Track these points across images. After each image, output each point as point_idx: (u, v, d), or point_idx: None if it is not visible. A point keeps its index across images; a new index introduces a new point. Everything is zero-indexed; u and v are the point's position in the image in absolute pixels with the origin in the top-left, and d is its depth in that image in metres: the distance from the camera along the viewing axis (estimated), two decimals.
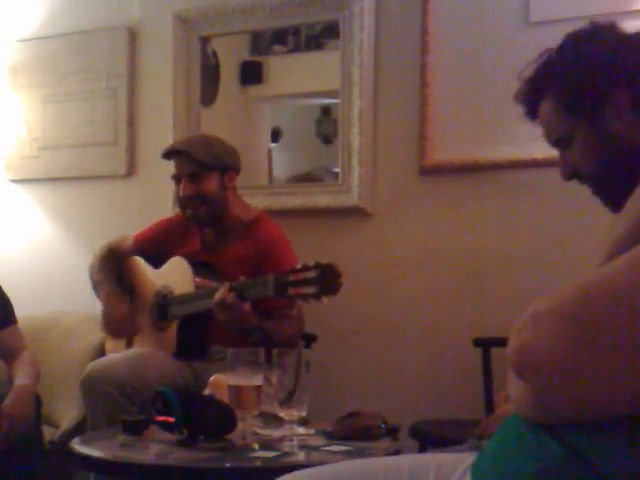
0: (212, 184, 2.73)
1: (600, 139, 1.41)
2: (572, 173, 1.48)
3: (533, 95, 1.49)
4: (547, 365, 0.85)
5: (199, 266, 2.71)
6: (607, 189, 1.44)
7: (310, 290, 2.23)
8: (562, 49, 1.46)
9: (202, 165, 2.71)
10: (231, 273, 2.60)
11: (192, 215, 2.76)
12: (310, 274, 2.24)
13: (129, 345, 2.83)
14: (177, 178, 2.76)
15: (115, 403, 2.44)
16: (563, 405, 0.87)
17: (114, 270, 2.94)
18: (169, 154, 2.79)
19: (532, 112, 1.50)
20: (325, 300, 2.23)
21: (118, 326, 2.83)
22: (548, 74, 1.46)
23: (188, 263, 2.71)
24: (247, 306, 2.43)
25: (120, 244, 2.99)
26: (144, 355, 2.65)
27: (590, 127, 1.42)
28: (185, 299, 2.65)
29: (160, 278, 2.80)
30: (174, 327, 2.68)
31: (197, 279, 2.67)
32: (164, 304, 2.74)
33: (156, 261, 2.85)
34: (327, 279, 2.22)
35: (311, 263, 2.25)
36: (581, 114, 1.42)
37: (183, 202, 2.76)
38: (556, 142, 1.49)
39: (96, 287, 2.93)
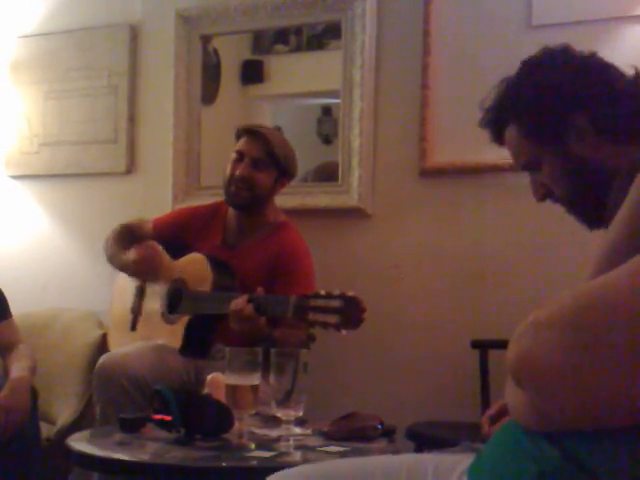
0: (268, 179, 2.75)
1: (566, 162, 1.45)
2: (544, 194, 1.52)
3: (496, 123, 1.53)
4: (547, 373, 0.85)
5: (218, 265, 2.68)
6: (580, 208, 1.49)
7: (331, 319, 2.19)
8: (519, 77, 1.50)
9: (271, 158, 2.72)
10: (248, 272, 2.59)
11: (234, 194, 2.74)
12: (333, 303, 2.19)
13: (133, 327, 2.80)
14: (240, 155, 2.73)
15: (127, 396, 2.43)
16: (562, 413, 0.87)
17: (130, 246, 2.85)
18: (250, 132, 2.76)
19: (497, 139, 1.55)
20: (344, 332, 2.19)
21: (143, 266, 2.76)
22: (508, 102, 1.50)
23: (207, 260, 2.67)
24: (263, 320, 2.41)
25: (139, 225, 2.95)
26: (158, 351, 2.62)
27: (555, 151, 1.45)
28: (199, 298, 2.62)
29: (177, 269, 2.76)
30: (182, 323, 2.66)
31: (214, 280, 2.62)
32: (177, 296, 2.71)
33: (175, 249, 2.81)
34: (351, 312, 2.18)
35: (336, 292, 2.20)
36: (544, 139, 1.46)
37: (232, 181, 2.73)
38: (524, 166, 1.53)
39: (112, 259, 2.87)
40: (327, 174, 3.32)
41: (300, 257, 2.71)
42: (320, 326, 2.24)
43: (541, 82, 1.46)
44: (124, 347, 2.70)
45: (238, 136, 2.80)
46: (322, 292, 2.23)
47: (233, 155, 2.77)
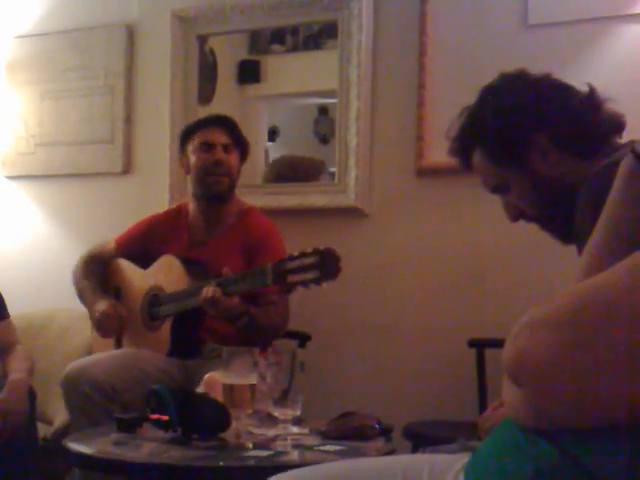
0: (237, 162, 2.82)
1: (534, 182, 1.51)
2: (517, 215, 1.59)
3: (462, 151, 1.59)
4: (543, 372, 0.85)
5: (190, 264, 2.70)
6: (551, 225, 1.55)
7: (310, 276, 2.23)
8: (479, 104, 1.56)
9: (237, 141, 2.81)
10: (223, 264, 2.60)
11: (215, 183, 2.76)
12: (309, 260, 2.24)
13: (118, 346, 2.82)
14: (210, 146, 2.77)
15: (94, 404, 2.44)
16: (559, 411, 0.87)
17: (98, 275, 2.91)
18: (216, 121, 2.83)
19: (466, 166, 1.61)
20: (325, 285, 2.23)
21: (108, 324, 2.79)
22: (470, 130, 1.56)
23: (179, 260, 2.69)
24: (235, 299, 2.45)
25: (102, 249, 2.97)
26: (127, 355, 2.64)
27: (521, 173, 1.51)
28: (176, 297, 2.64)
29: (149, 278, 2.79)
30: (167, 326, 2.67)
31: (189, 277, 2.65)
32: (155, 303, 2.73)
33: (143, 261, 2.83)
34: (327, 264, 2.22)
35: (308, 249, 2.25)
36: (509, 162, 1.52)
37: (212, 168, 2.76)
38: (494, 190, 1.59)
39: (81, 294, 2.90)
40: (287, 170, 3.35)
41: (269, 235, 2.76)
42: (301, 285, 2.27)
43: (499, 107, 1.51)
44: (93, 355, 2.72)
45: (198, 127, 2.83)
46: (295, 253, 2.27)
47: (198, 147, 2.79)
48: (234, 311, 2.48)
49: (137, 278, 2.84)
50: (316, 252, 2.23)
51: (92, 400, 2.44)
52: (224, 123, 2.83)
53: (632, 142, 1.44)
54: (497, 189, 1.58)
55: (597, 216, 1.00)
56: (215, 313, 2.48)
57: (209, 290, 2.43)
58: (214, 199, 2.80)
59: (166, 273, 2.73)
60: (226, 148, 2.78)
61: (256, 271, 2.40)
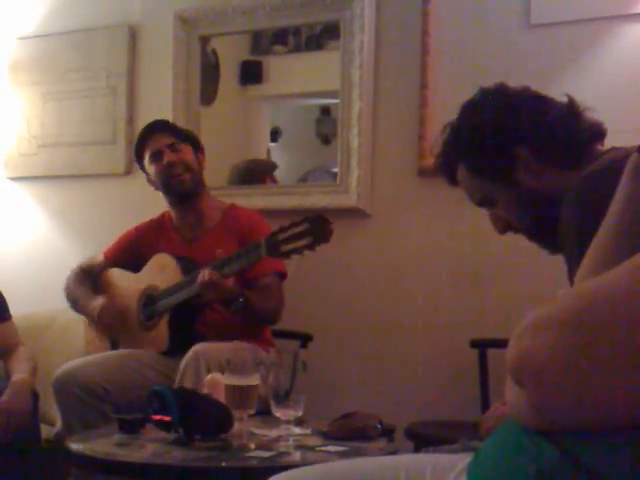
0: (190, 154, 2.83)
1: (518, 193, 1.53)
2: (504, 227, 1.60)
3: (447, 166, 1.62)
4: (546, 373, 0.85)
5: (180, 261, 2.71)
6: (538, 235, 1.57)
7: (303, 242, 2.29)
8: (459, 120, 1.59)
9: (179, 135, 2.83)
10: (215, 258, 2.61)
11: (178, 182, 2.78)
12: (300, 228, 2.29)
13: (114, 349, 2.82)
14: (157, 153, 2.80)
15: (85, 405, 2.45)
16: (562, 412, 0.87)
17: (90, 287, 2.93)
18: (148, 131, 2.85)
19: (452, 181, 1.64)
20: (317, 248, 2.30)
21: (108, 318, 2.80)
22: (452, 146, 1.59)
23: (170, 256, 2.71)
24: (230, 281, 2.48)
25: (91, 263, 2.99)
26: (119, 356, 2.65)
27: (505, 186, 1.54)
28: (170, 291, 2.65)
29: (143, 280, 2.80)
30: (163, 323, 2.67)
31: (182, 271, 2.66)
32: (150, 303, 2.73)
33: (134, 268, 2.85)
34: (318, 228, 2.28)
35: (298, 218, 2.31)
36: (493, 175, 1.54)
37: (168, 171, 2.78)
38: (480, 203, 1.61)
39: (75, 303, 2.91)
40: (251, 174, 3.38)
41: (259, 222, 2.79)
42: (296, 253, 2.33)
43: (479, 122, 1.54)
44: (83, 357, 2.72)
45: (142, 143, 2.88)
46: (286, 224, 2.33)
47: (150, 162, 2.83)
48: (230, 294, 2.50)
49: (130, 282, 2.85)
50: (306, 219, 2.30)
51: (83, 401, 2.45)
52: (160, 126, 2.86)
53: (613, 149, 1.47)
54: (483, 203, 1.61)
55: (585, 221, 1.01)
56: (214, 296, 2.49)
57: (206, 273, 2.44)
58: (186, 197, 2.83)
59: (160, 271, 2.74)
60: (172, 147, 2.80)
61: (250, 247, 2.43)
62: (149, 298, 2.74)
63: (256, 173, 3.41)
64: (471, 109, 1.59)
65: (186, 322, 2.66)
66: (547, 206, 1.48)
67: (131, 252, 2.90)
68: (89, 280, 2.94)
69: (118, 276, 2.91)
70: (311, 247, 2.28)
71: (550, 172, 1.51)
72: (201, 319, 2.65)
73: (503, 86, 1.59)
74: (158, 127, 2.85)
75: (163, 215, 2.96)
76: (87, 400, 2.44)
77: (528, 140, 1.50)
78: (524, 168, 1.51)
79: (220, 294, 2.48)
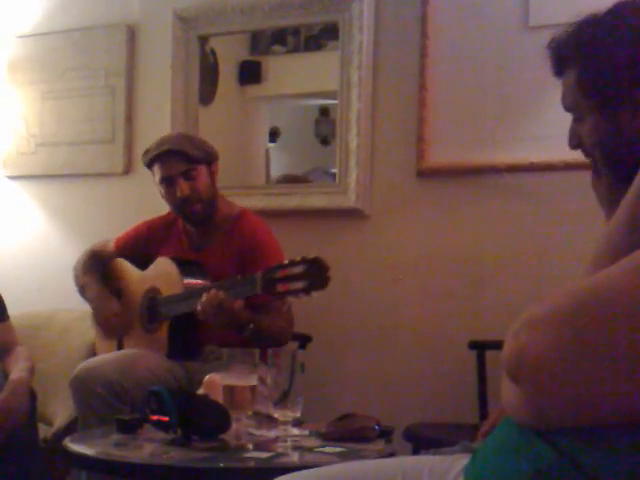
0: (204, 179, 2.72)
1: (609, 130, 1.36)
2: (576, 144, 1.42)
3: (558, 60, 1.44)
4: (543, 370, 0.85)
5: (186, 265, 2.70)
6: (603, 174, 1.39)
7: (299, 285, 2.22)
8: (598, 26, 1.37)
9: (194, 161, 2.70)
10: (219, 270, 2.60)
11: (191, 214, 2.73)
12: (298, 269, 2.23)
13: (120, 347, 2.82)
14: (169, 179, 2.71)
15: (105, 403, 2.45)
16: (559, 410, 0.87)
17: (99, 272, 2.93)
18: (157, 158, 2.72)
19: (557, 73, 1.45)
20: (315, 295, 2.22)
21: (110, 323, 2.84)
22: (577, 49, 1.39)
23: (175, 263, 2.69)
24: (238, 303, 2.42)
25: (103, 248, 2.98)
26: (133, 355, 2.64)
27: (602, 117, 1.36)
28: (174, 300, 2.63)
29: (147, 279, 2.79)
30: (164, 328, 2.68)
31: (185, 280, 2.64)
32: (153, 306, 2.73)
33: (141, 263, 2.85)
34: (315, 273, 2.21)
35: (297, 258, 2.24)
36: (598, 101, 1.36)
37: (180, 203, 2.71)
38: (567, 109, 1.43)
39: (83, 289, 2.92)
40: None
41: (263, 241, 2.70)
42: (291, 295, 2.27)
43: (620, 41, 1.32)
44: (101, 355, 2.73)
45: (149, 165, 2.78)
46: (285, 262, 2.26)
47: (160, 182, 2.74)
48: (238, 318, 2.43)
49: (135, 280, 2.85)
50: (304, 261, 2.22)
51: (103, 399, 2.45)
52: (175, 153, 2.70)
53: None
54: (570, 110, 1.43)
55: None
56: (217, 321, 2.42)
57: (211, 294, 2.39)
58: (197, 224, 2.79)
59: (162, 276, 2.73)
60: (186, 174, 2.69)
61: (247, 280, 2.38)
62: (151, 301, 2.74)
63: None
64: (619, 19, 1.36)
65: (187, 329, 2.66)
66: (630, 156, 1.31)
67: (140, 248, 2.89)
68: (98, 266, 2.94)
69: (125, 266, 2.91)
70: (307, 292, 2.22)
71: None
72: (202, 327, 2.63)
73: None
74: (175, 153, 2.70)
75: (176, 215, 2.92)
76: (107, 398, 2.44)
77: None
78: (633, 112, 1.33)
79: (224, 318, 2.42)
